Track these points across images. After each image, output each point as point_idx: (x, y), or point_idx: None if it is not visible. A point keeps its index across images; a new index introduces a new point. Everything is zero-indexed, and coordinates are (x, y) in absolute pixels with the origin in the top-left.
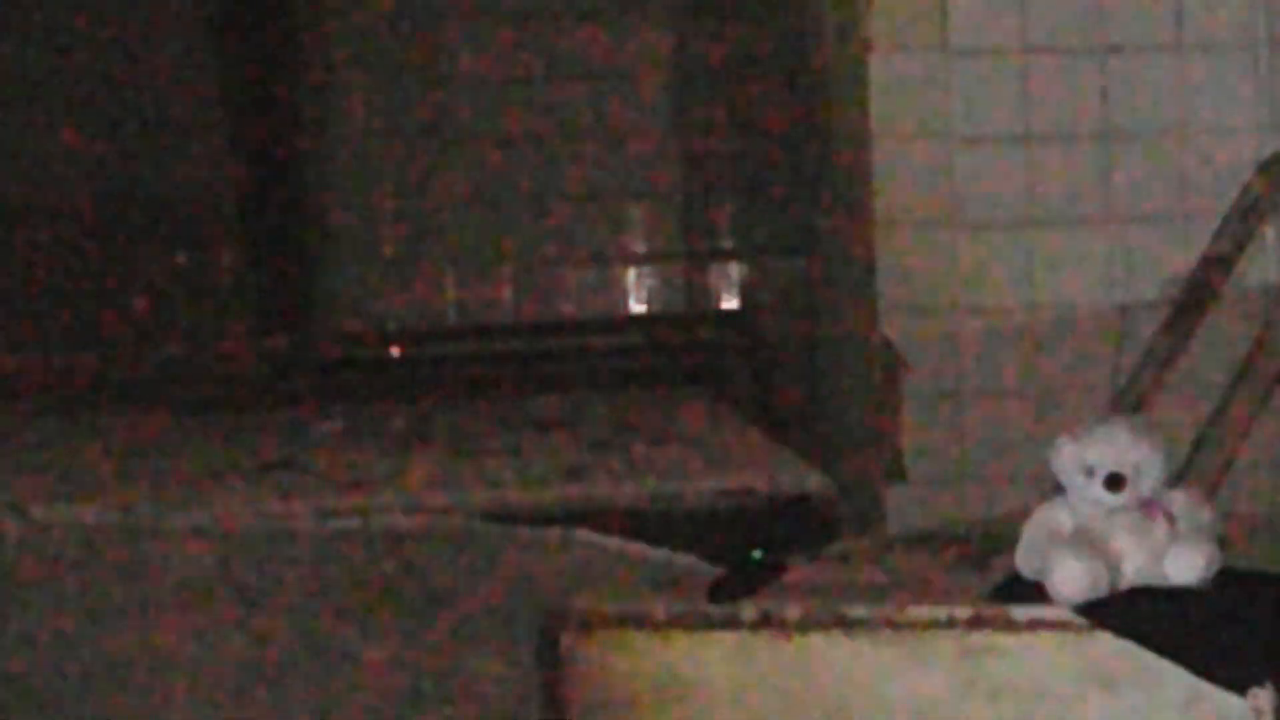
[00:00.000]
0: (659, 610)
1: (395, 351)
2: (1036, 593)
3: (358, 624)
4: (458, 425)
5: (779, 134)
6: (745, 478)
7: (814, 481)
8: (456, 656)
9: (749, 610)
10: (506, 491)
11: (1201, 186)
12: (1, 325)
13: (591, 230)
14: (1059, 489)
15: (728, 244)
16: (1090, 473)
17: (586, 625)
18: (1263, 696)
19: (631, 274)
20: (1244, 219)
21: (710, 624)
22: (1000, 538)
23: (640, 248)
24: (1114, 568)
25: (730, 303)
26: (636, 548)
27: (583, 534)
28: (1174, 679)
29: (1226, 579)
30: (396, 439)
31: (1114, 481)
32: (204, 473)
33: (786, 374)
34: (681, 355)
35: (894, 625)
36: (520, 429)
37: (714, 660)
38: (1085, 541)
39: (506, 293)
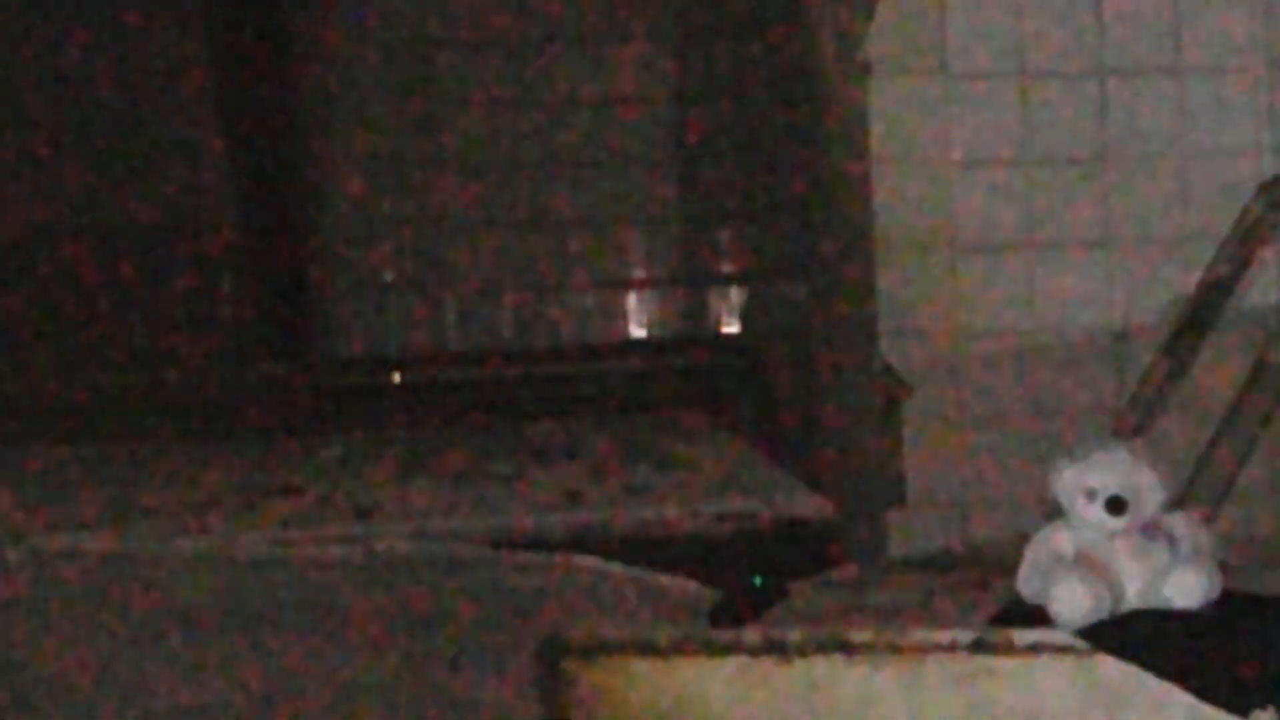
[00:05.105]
0: (661, 635)
1: (396, 377)
2: (1038, 616)
3: (359, 651)
4: (458, 451)
5: (779, 159)
6: (746, 502)
7: (815, 506)
8: (458, 683)
9: (751, 635)
10: (508, 517)
11: (1201, 209)
12: (3, 354)
13: (592, 255)
14: (1060, 512)
15: (728, 269)
16: (1091, 496)
17: (588, 651)
18: (1264, 719)
19: (632, 299)
20: (1243, 241)
21: (712, 649)
22: (1001, 561)
23: (641, 273)
24: (1115, 591)
25: (731, 327)
26: (638, 573)
27: (584, 559)
28: (1176, 702)
29: (1228, 602)
30: (397, 465)
31: (1115, 504)
32: (204, 500)
33: (787, 398)
34: (682, 380)
35: (896, 649)
36: (521, 454)
37: (716, 685)
38: (1086, 565)
39: (507, 318)
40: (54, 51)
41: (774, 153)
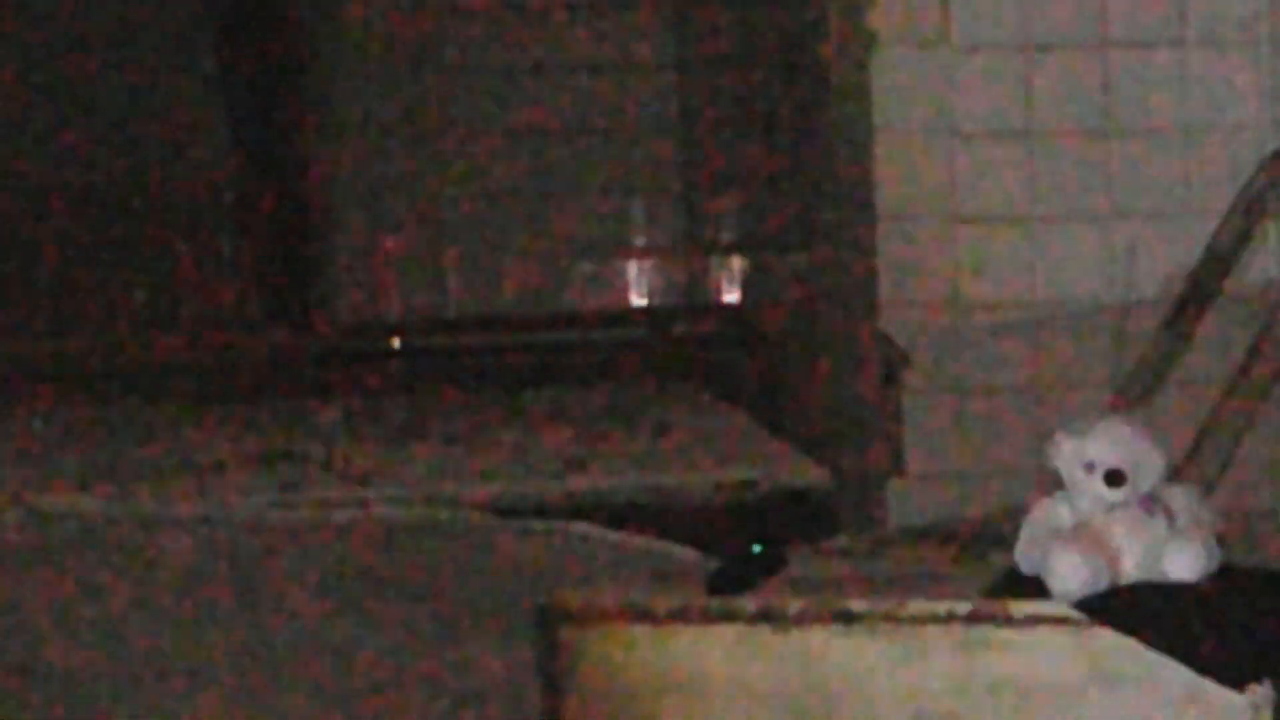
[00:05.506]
0: (658, 603)
1: (396, 343)
2: (1036, 588)
3: (357, 615)
4: (458, 417)
5: (781, 128)
6: (745, 471)
7: (814, 475)
8: (455, 648)
9: (748, 604)
10: (506, 484)
11: (1203, 182)
12: (3, 315)
13: (593, 223)
14: (1059, 484)
15: (729, 238)
16: (1090, 468)
17: (585, 618)
18: (1261, 693)
19: (633, 267)
20: (1246, 215)
21: (709, 617)
22: (1000, 533)
23: (642, 241)
24: (1113, 563)
25: (731, 296)
26: (636, 540)
27: (582, 527)
28: (1172, 675)
29: (1225, 575)
30: (397, 431)
31: (1114, 477)
32: (204, 463)
33: (787, 368)
34: (682, 349)
35: (893, 620)
36: (521, 421)
37: (713, 654)
38: (1084, 537)
39: (508, 285)
40: (56, 15)
41: (776, 122)
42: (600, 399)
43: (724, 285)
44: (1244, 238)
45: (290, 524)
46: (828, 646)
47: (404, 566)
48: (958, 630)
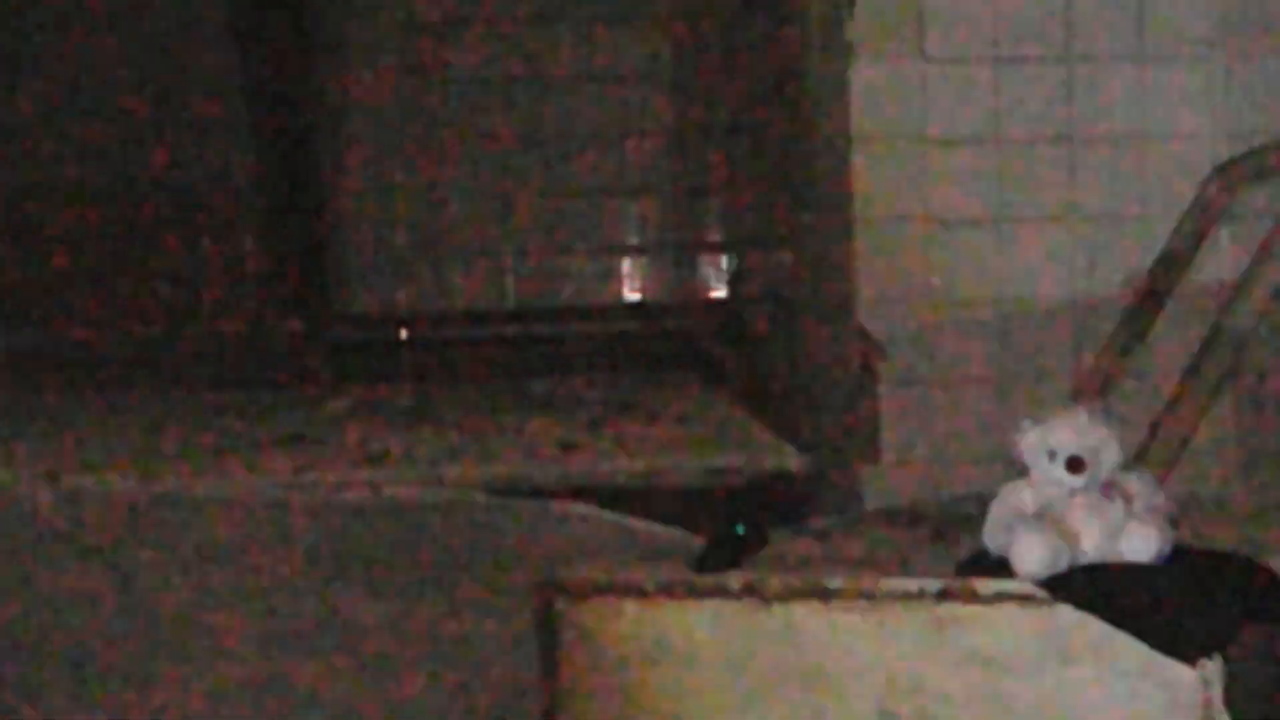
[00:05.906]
0: (648, 580)
1: (404, 334)
2: (1001, 567)
3: (365, 590)
4: (461, 404)
5: (766, 135)
6: (731, 457)
7: (795, 461)
8: (459, 620)
9: (733, 581)
10: (507, 467)
11: (1160, 189)
12: (34, 306)
13: (590, 223)
14: (1023, 471)
15: (716, 237)
16: (1052, 455)
17: (580, 593)
18: (1210, 667)
19: (627, 264)
20: (1199, 220)
21: (696, 593)
22: (968, 516)
23: (635, 240)
24: (1073, 545)
25: (719, 292)
26: (628, 521)
27: (578, 507)
28: (1128, 650)
29: (1178, 556)
30: (404, 416)
31: (1074, 464)
32: (223, 446)
33: (770, 360)
34: (672, 341)
35: (868, 596)
36: (520, 408)
37: (699, 627)
38: (1047, 520)
39: (509, 280)
40: (89, 24)
41: (761, 130)
42: (596, 388)
43: (711, 282)
44: (1197, 241)
45: (305, 503)
46: (807, 621)
47: (412, 544)
48: (928, 606)
